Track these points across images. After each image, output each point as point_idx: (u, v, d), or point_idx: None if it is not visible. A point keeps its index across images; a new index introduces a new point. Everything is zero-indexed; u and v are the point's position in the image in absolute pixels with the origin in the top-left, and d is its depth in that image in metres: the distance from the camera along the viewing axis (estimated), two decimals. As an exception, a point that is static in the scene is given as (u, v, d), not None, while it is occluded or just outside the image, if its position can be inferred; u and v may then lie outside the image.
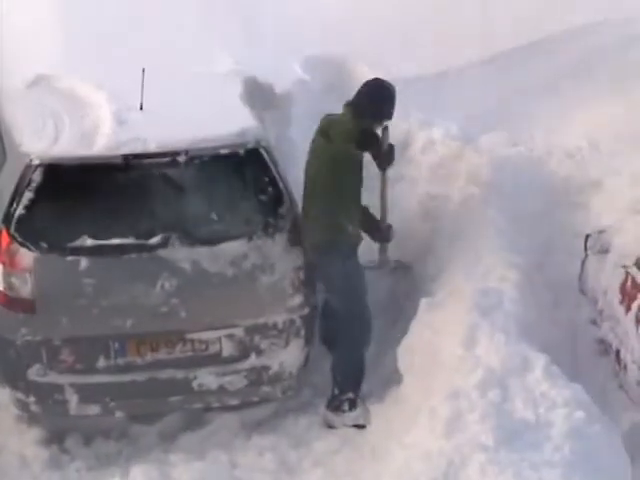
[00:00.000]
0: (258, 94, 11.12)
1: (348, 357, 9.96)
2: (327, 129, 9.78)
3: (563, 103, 12.17)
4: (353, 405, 9.73)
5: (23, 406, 9.45)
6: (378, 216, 10.31)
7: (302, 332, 9.71)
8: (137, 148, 9.27)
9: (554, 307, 10.37)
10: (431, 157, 11.10)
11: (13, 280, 9.27)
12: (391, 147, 9.85)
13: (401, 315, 10.14)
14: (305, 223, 9.85)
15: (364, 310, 9.85)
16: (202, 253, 9.39)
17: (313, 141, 9.94)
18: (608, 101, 12.20)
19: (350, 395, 9.74)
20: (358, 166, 9.81)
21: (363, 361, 9.91)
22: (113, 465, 9.47)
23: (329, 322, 10.18)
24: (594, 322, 10.14)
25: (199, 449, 9.55)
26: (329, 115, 10.00)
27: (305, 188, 9.89)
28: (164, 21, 11.64)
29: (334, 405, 9.75)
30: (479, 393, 8.67)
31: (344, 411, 9.75)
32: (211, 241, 9.40)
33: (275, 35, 12.58)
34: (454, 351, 9.08)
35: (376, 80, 10.05)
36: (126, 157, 9.18)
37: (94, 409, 9.43)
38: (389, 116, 9.81)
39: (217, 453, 9.49)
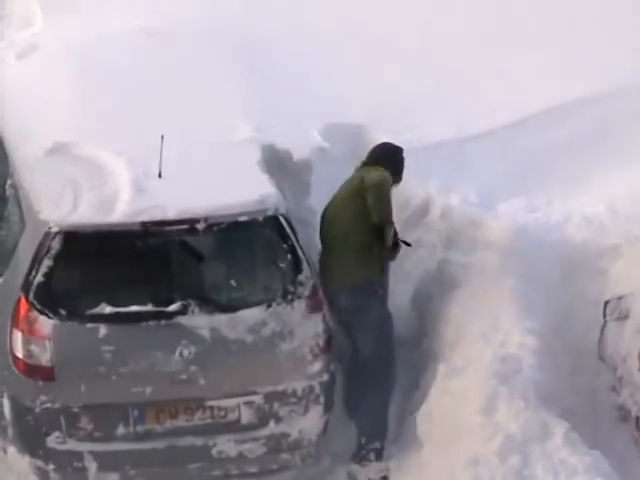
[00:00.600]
0: (276, 161, 11.00)
1: (376, 403, 9.98)
2: (359, 177, 10.02)
3: (581, 168, 12.21)
4: (380, 456, 9.78)
5: (42, 474, 9.40)
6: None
7: (321, 399, 9.65)
8: (156, 215, 9.23)
9: (573, 373, 10.35)
10: (449, 223, 11.07)
11: (32, 347, 9.22)
12: (397, 244, 9.93)
13: (420, 381, 10.05)
14: (335, 266, 9.95)
15: (393, 355, 9.95)
16: (221, 320, 9.39)
17: (335, 203, 10.13)
18: (626, 166, 12.23)
19: (377, 445, 9.82)
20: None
21: (388, 408, 9.95)
22: None
23: (353, 383, 10.22)
24: (614, 389, 10.14)
25: None
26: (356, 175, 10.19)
27: (329, 229, 10.04)
28: (183, 89, 11.38)
29: (361, 456, 9.79)
30: (499, 459, 8.77)
31: (370, 461, 9.77)
32: (230, 308, 9.41)
33: (294, 103, 12.43)
34: (473, 418, 9.19)
35: (387, 143, 10.52)
36: (145, 224, 9.19)
37: (113, 477, 9.39)
38: (401, 173, 10.28)
39: None
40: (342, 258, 10.07)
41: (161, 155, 9.42)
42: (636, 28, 14.34)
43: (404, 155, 10.48)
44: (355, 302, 9.95)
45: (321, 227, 10.33)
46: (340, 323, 10.09)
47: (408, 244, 10.29)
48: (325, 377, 9.64)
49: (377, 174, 10.05)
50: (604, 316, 10.30)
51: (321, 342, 9.61)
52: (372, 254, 10.03)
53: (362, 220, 10.03)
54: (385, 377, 10.03)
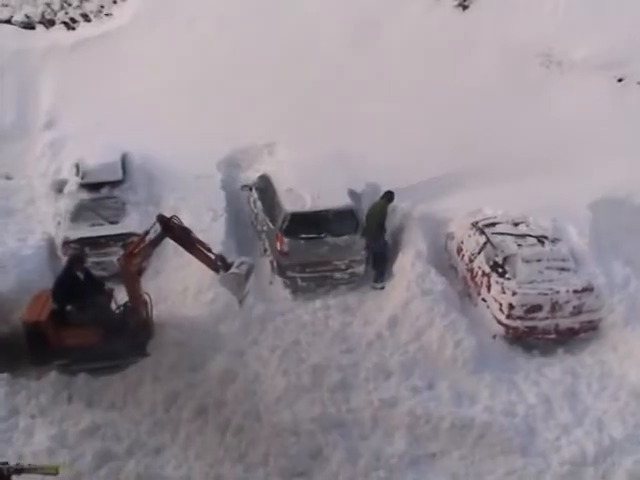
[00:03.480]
0: (353, 195, 14.72)
1: (381, 264, 14.12)
2: (377, 207, 14.01)
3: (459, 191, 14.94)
4: (382, 280, 13.99)
5: (284, 283, 14.03)
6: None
7: (364, 261, 14.03)
8: (318, 207, 13.92)
9: (438, 257, 14.15)
10: (403, 213, 14.84)
11: (282, 247, 13.59)
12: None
13: (394, 262, 13.98)
14: (369, 232, 13.86)
15: (388, 251, 14.00)
16: (335, 239, 13.67)
17: (370, 209, 14.09)
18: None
19: (381, 277, 13.99)
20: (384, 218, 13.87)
21: (385, 265, 13.95)
22: (309, 299, 13.76)
23: (374, 259, 14.08)
24: (449, 258, 14.41)
25: (335, 296, 13.95)
26: (377, 201, 14.10)
27: (367, 221, 13.89)
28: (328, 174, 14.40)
29: (374, 279, 14.08)
30: (416, 283, 13.10)
31: (377, 282, 14.07)
32: (337, 235, 13.85)
33: (359, 176, 15.32)
34: (407, 268, 13.58)
35: (389, 191, 14.24)
36: (313, 210, 13.83)
37: (304, 283, 14.05)
38: (393, 200, 14.02)
39: (342, 297, 13.86)
40: (371, 232, 13.89)
41: (319, 194, 13.92)
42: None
43: (394, 193, 14.03)
44: (374, 241, 13.96)
45: (366, 219, 13.98)
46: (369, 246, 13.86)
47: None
48: (365, 255, 14.06)
49: (383, 209, 13.84)
50: (445, 241, 14.24)
51: (364, 244, 13.97)
52: (381, 232, 14.03)
53: (378, 221, 14.01)
54: (385, 257, 14.10)
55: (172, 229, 11.50)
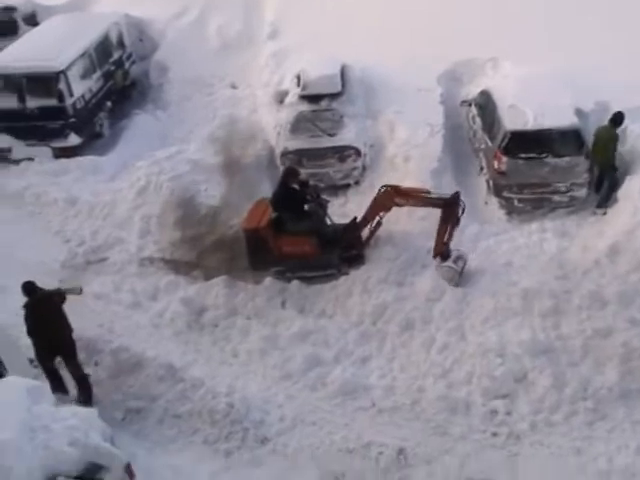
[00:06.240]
0: (580, 114, 14.13)
1: (607, 191, 13.73)
2: (604, 130, 13.53)
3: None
4: (605, 205, 13.51)
5: (500, 203, 13.82)
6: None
7: (586, 185, 13.65)
8: (536, 126, 13.42)
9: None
10: None
11: (500, 166, 13.56)
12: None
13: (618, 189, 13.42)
14: (595, 155, 13.42)
15: (615, 176, 13.57)
16: (557, 159, 13.51)
17: (597, 132, 13.57)
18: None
19: (604, 202, 13.64)
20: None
21: (613, 191, 13.49)
22: (524, 221, 13.36)
23: (598, 183, 13.77)
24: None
25: (552, 219, 13.36)
26: (605, 125, 13.55)
27: (593, 145, 13.45)
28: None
29: (597, 205, 13.70)
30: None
31: (600, 207, 13.68)
32: (560, 156, 13.45)
33: (587, 94, 14.66)
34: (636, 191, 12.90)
35: (618, 111, 13.58)
36: (535, 129, 13.26)
37: (520, 204, 13.61)
38: (622, 124, 13.40)
39: (560, 221, 13.31)
40: (597, 156, 13.43)
41: (542, 112, 13.28)
42: None
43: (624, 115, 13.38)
44: (601, 167, 13.42)
45: (593, 143, 13.53)
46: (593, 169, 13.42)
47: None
48: (587, 179, 13.65)
49: (610, 132, 13.25)
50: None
51: (587, 166, 13.47)
52: (608, 156, 13.47)
53: (605, 145, 13.55)
54: (611, 181, 13.54)
55: (452, 209, 12.01)
